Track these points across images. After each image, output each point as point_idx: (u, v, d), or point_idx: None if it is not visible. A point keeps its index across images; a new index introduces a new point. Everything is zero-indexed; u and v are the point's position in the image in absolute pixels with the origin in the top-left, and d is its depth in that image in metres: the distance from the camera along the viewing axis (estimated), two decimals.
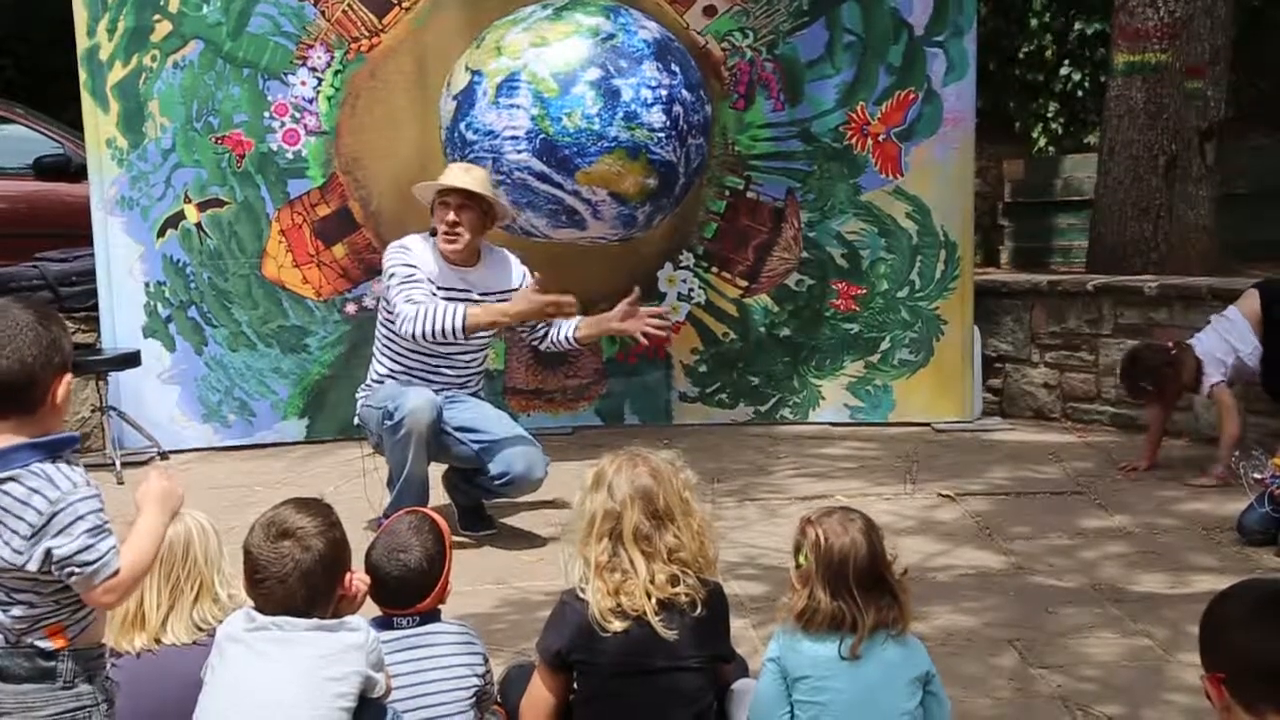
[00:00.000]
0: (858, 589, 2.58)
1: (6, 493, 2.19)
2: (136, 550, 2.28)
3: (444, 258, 4.92)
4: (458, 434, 4.86)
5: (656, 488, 2.73)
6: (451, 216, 4.89)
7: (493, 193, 5.11)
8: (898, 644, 2.61)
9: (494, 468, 4.80)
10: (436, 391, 4.88)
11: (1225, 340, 5.52)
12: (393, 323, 4.85)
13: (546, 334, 5.11)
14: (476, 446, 4.83)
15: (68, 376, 2.30)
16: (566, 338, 5.09)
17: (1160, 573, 4.40)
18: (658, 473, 2.75)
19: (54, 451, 2.24)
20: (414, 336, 4.72)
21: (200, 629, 2.72)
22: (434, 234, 4.96)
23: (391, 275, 4.85)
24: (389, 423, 4.74)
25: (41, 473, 2.20)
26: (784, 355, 6.91)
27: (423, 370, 4.94)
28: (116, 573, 2.21)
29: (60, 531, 2.18)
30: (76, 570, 2.18)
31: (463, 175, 4.99)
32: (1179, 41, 7.53)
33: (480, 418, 4.92)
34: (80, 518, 2.19)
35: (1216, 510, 5.07)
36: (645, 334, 5.06)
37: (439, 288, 4.87)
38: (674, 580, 2.67)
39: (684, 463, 2.86)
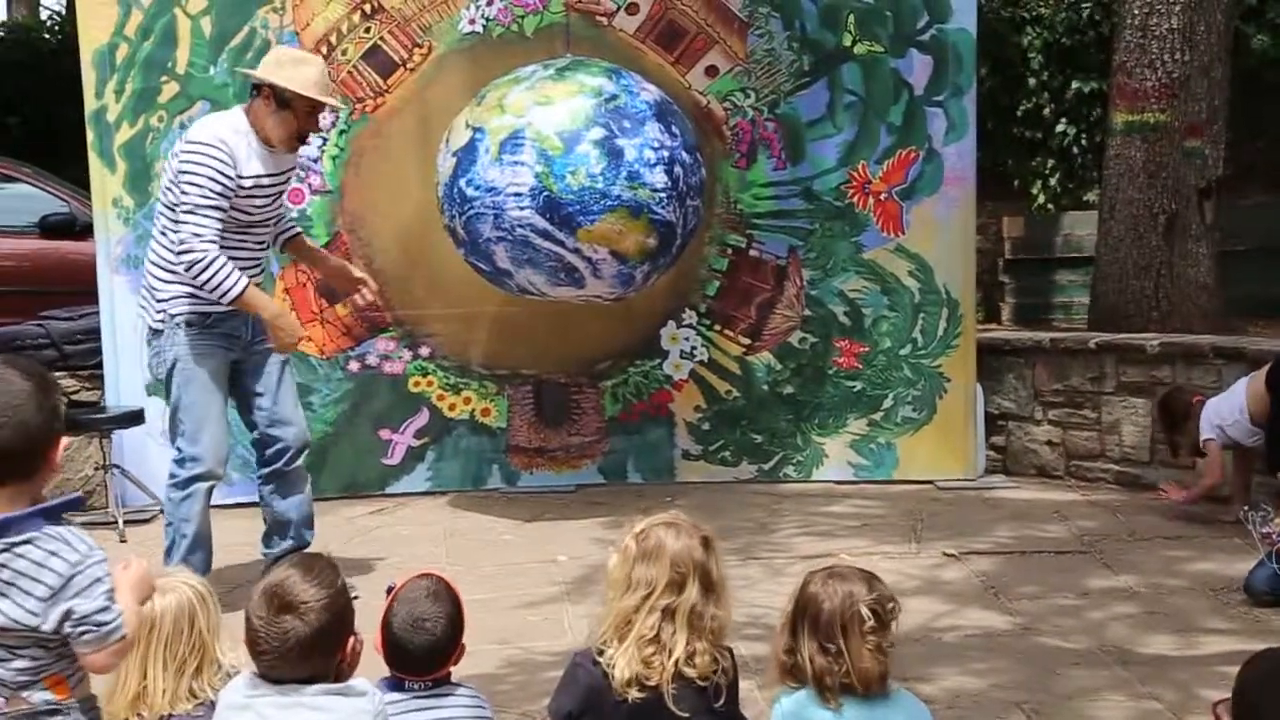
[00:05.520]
0: (823, 639, 2.52)
1: (22, 556, 2.24)
2: (128, 626, 2.34)
3: (267, 143, 4.92)
4: (244, 394, 5.07)
5: (710, 560, 2.69)
6: (314, 132, 5.21)
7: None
8: (895, 701, 2.58)
9: (269, 433, 5.05)
10: (244, 269, 4.86)
11: (1219, 409, 5.65)
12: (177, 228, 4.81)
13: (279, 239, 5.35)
14: (256, 410, 5.06)
15: (64, 440, 2.39)
16: (283, 241, 5.37)
17: (1168, 634, 4.38)
18: (709, 542, 2.71)
19: (58, 515, 2.30)
20: (186, 269, 4.75)
21: (196, 697, 2.69)
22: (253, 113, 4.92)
23: (198, 185, 4.76)
24: (180, 473, 4.92)
25: (58, 535, 2.27)
26: (787, 413, 6.90)
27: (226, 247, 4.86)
28: (124, 637, 2.29)
29: (80, 593, 2.25)
30: (93, 629, 2.24)
31: (326, 85, 5.04)
32: (1177, 101, 7.58)
33: (271, 387, 5.07)
34: (98, 580, 2.28)
35: (1224, 570, 5.05)
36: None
37: (245, 179, 4.84)
38: (713, 661, 2.64)
39: None
